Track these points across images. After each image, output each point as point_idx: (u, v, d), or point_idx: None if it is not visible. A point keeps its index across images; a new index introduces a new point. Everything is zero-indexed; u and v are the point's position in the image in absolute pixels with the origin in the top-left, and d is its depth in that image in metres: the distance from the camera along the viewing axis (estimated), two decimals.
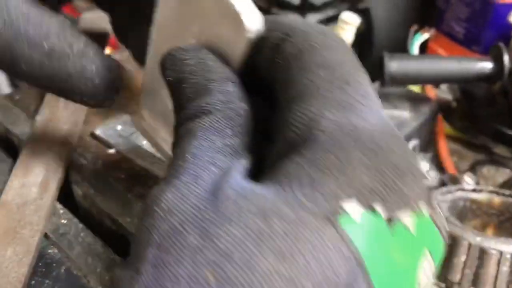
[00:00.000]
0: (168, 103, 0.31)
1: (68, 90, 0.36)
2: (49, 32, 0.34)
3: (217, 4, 0.28)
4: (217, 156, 0.24)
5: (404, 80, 0.76)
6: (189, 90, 0.27)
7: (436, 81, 0.77)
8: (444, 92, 0.87)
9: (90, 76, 0.36)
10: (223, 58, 0.28)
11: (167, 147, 0.38)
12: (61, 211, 0.41)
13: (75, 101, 0.38)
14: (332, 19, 0.96)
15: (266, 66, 0.27)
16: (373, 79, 1.00)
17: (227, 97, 0.26)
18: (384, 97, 0.82)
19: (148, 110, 0.40)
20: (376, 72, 0.99)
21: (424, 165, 0.77)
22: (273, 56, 0.26)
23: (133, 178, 0.42)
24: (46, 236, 0.39)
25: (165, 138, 0.39)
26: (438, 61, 0.75)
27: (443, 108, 0.84)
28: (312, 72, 0.25)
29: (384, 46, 1.00)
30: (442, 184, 0.77)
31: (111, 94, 0.38)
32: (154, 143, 0.39)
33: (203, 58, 0.28)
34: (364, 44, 1.00)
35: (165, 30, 0.34)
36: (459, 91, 0.83)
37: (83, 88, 0.36)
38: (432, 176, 0.81)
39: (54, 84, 0.36)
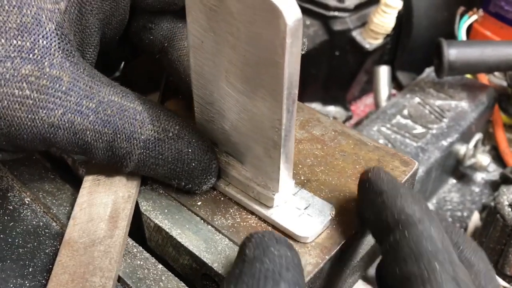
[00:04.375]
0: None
1: (165, 176, 0.34)
2: (144, 122, 0.32)
3: (247, 1, 0.26)
4: None
5: (465, 68, 0.68)
6: None
7: (499, 68, 0.69)
8: (497, 78, 0.79)
9: (186, 160, 0.33)
10: (268, 56, 0.27)
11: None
12: (135, 250, 0.34)
13: (172, 185, 0.35)
14: (372, 2, 0.87)
15: None
16: (415, 68, 0.93)
17: None
18: (439, 87, 0.74)
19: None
20: (418, 60, 0.92)
21: (485, 159, 0.70)
22: None
23: (213, 205, 0.35)
24: (119, 280, 0.32)
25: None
26: (504, 47, 0.67)
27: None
28: None
29: (424, 30, 0.92)
30: (504, 178, 0.70)
31: (208, 177, 0.35)
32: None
33: None
34: (402, 28, 0.92)
35: (201, 50, 0.31)
36: None
37: (179, 172, 0.34)
38: (492, 170, 0.74)
39: (152, 171, 0.34)
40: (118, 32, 0.38)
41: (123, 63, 0.47)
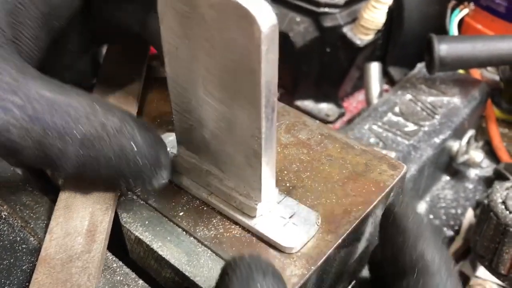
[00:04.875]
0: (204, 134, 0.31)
1: (110, 176, 0.31)
2: (78, 117, 0.29)
3: (220, 8, 0.25)
4: None
5: (456, 64, 0.67)
6: None
7: (491, 63, 0.67)
8: (490, 73, 0.78)
9: (131, 156, 0.30)
10: (244, 63, 0.26)
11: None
12: (115, 265, 0.33)
13: (121, 186, 0.32)
14: None
15: None
16: (407, 63, 0.91)
17: None
18: (431, 83, 0.72)
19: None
20: (410, 55, 0.90)
21: (478, 155, 0.68)
22: None
23: (195, 215, 0.34)
24: None
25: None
26: (495, 41, 0.66)
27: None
28: None
29: (415, 25, 0.90)
30: (498, 174, 0.69)
31: (159, 171, 0.32)
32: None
33: None
34: (393, 23, 0.90)
35: (176, 57, 0.30)
36: (508, 70, 0.74)
37: (125, 171, 0.31)
38: (486, 166, 0.73)
39: (95, 173, 0.31)
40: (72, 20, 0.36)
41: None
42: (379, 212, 0.36)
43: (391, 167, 0.37)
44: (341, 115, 0.93)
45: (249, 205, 0.33)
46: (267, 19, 0.25)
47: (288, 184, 0.36)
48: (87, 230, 0.33)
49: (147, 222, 0.34)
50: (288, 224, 0.33)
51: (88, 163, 0.30)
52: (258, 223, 0.33)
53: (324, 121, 0.91)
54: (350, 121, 0.87)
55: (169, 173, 0.33)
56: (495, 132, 0.72)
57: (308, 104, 0.93)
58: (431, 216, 0.67)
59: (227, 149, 0.32)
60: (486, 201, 0.57)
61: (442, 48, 0.66)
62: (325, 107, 0.94)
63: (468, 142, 0.67)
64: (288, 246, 0.31)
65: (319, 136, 0.40)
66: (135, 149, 0.31)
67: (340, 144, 0.39)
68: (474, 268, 0.63)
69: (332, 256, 0.32)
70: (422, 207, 0.68)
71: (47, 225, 0.34)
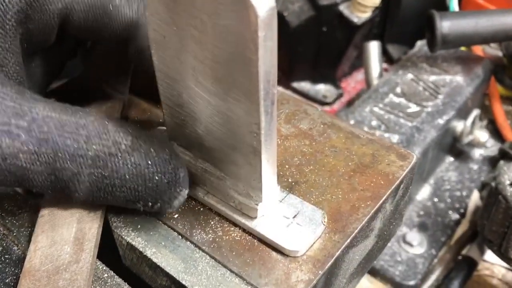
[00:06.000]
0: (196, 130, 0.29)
1: (126, 198, 0.29)
2: (89, 136, 0.27)
3: None
4: None
5: (459, 41, 0.64)
6: None
7: (495, 39, 0.64)
8: (492, 48, 0.75)
9: (148, 175, 0.28)
10: (239, 52, 0.23)
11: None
12: (106, 275, 0.30)
13: (139, 208, 0.30)
14: None
15: None
16: (405, 40, 0.88)
17: None
18: (433, 61, 0.69)
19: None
20: (409, 32, 0.87)
21: (483, 135, 0.66)
22: None
23: (191, 217, 0.31)
24: None
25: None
26: (499, 16, 0.62)
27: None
28: None
29: (413, 0, 0.87)
30: (503, 154, 0.66)
31: (178, 189, 0.29)
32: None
33: None
34: (391, 0, 0.87)
35: (164, 46, 0.27)
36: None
37: (142, 191, 0.28)
38: (490, 145, 0.70)
39: (110, 195, 0.28)
40: (46, 43, 0.33)
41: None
42: (388, 207, 0.33)
43: (400, 157, 0.34)
44: (339, 96, 0.89)
45: (249, 206, 0.30)
46: (264, 1, 0.21)
47: (290, 180, 0.33)
48: (75, 238, 0.30)
49: (139, 226, 0.31)
50: (292, 225, 0.30)
51: (102, 185, 0.28)
52: (260, 225, 0.30)
53: (322, 103, 0.88)
54: (349, 103, 0.84)
55: (187, 189, 0.30)
56: (499, 110, 0.69)
57: (305, 85, 0.90)
58: (436, 200, 0.64)
59: (222, 146, 0.29)
60: (493, 184, 0.54)
61: (444, 25, 0.63)
62: (323, 88, 0.90)
63: (473, 122, 0.64)
64: (292, 249, 0.29)
65: (322, 126, 0.37)
66: (151, 166, 0.28)
67: (345, 133, 0.36)
68: (482, 252, 0.61)
69: (341, 257, 0.30)
70: (426, 190, 0.65)
71: (31, 233, 0.31)
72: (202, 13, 0.23)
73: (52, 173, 0.27)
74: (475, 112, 0.65)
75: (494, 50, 0.75)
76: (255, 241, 0.30)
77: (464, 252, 0.61)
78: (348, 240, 0.30)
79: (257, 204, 0.29)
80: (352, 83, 0.92)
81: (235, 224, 0.31)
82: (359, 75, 0.92)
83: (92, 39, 0.35)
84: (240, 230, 0.30)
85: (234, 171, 0.29)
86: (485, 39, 0.64)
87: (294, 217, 0.30)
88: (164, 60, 0.27)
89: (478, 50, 0.74)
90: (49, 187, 0.28)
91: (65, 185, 0.28)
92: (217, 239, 0.30)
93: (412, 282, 0.57)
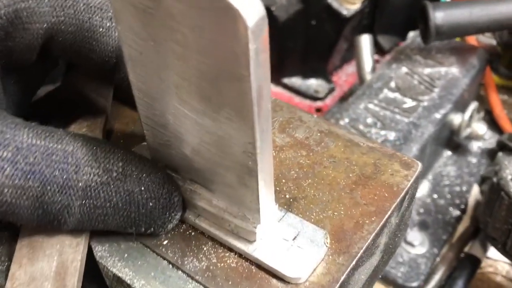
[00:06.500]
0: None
1: (119, 226, 0.27)
2: (79, 165, 0.25)
3: (190, 0, 0.19)
4: None
5: (453, 32, 0.61)
6: None
7: (490, 29, 0.62)
8: (486, 37, 0.72)
9: (141, 201, 0.26)
10: (228, 68, 0.20)
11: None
12: None
13: (131, 233, 0.28)
14: None
15: None
16: (396, 31, 0.85)
17: None
18: (426, 53, 0.67)
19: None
20: (399, 23, 0.84)
21: (481, 128, 0.63)
22: None
23: (182, 243, 0.28)
24: None
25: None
26: (493, 5, 0.60)
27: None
28: None
29: None
30: (502, 145, 0.64)
31: (172, 214, 0.28)
32: None
33: None
34: None
35: (141, 63, 0.24)
36: (507, 34, 0.68)
37: (135, 218, 0.27)
38: (488, 137, 0.68)
39: (102, 224, 0.27)
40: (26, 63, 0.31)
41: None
42: (394, 220, 0.31)
43: (404, 166, 0.32)
44: (331, 90, 0.87)
45: (247, 229, 0.27)
46: (253, 10, 0.19)
47: (288, 196, 0.31)
48: (56, 272, 0.27)
49: (126, 255, 0.29)
50: (292, 248, 0.27)
51: (94, 215, 0.26)
52: (257, 249, 0.27)
53: (314, 98, 0.85)
54: (341, 98, 0.82)
55: (180, 212, 0.28)
56: (496, 100, 0.67)
57: (295, 81, 0.87)
58: (435, 196, 0.62)
59: (214, 167, 0.26)
60: (495, 179, 0.52)
61: (438, 16, 0.60)
62: (314, 83, 0.88)
63: (471, 115, 0.62)
64: (294, 276, 0.26)
65: (319, 134, 0.34)
66: (144, 192, 0.27)
67: (343, 141, 0.34)
68: (485, 249, 0.59)
69: (346, 281, 0.27)
70: (425, 187, 0.63)
71: (8, 268, 0.28)
72: (183, 26, 0.20)
73: (39, 207, 0.25)
74: (473, 105, 0.62)
75: (488, 39, 0.73)
76: (252, 267, 0.27)
77: (466, 249, 0.59)
78: (354, 262, 0.27)
79: (255, 227, 0.27)
80: (343, 76, 0.89)
81: (230, 249, 0.28)
82: (350, 68, 0.89)
83: (78, 62, 0.33)
84: (236, 256, 0.28)
85: (228, 193, 0.27)
86: (479, 29, 0.61)
87: (294, 239, 0.28)
88: (142, 78, 0.25)
89: (472, 39, 0.71)
90: (35, 220, 0.26)
91: (53, 218, 0.26)
92: (211, 267, 0.27)
93: (415, 284, 0.55)
